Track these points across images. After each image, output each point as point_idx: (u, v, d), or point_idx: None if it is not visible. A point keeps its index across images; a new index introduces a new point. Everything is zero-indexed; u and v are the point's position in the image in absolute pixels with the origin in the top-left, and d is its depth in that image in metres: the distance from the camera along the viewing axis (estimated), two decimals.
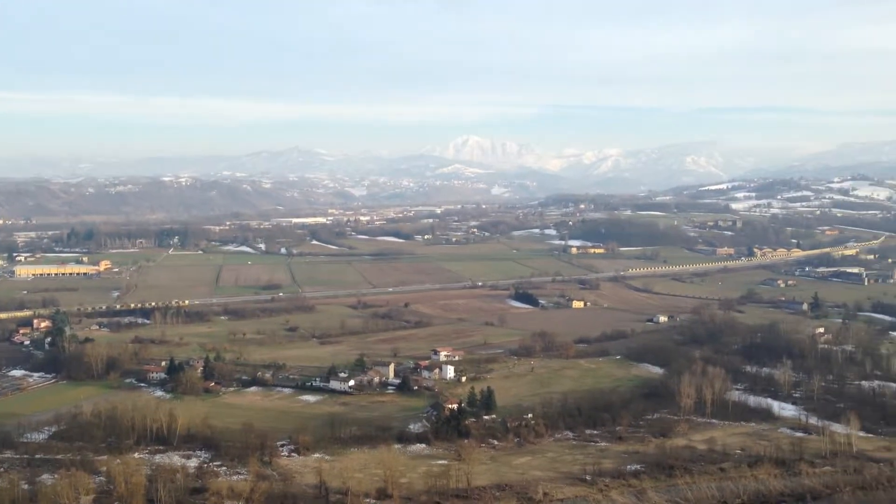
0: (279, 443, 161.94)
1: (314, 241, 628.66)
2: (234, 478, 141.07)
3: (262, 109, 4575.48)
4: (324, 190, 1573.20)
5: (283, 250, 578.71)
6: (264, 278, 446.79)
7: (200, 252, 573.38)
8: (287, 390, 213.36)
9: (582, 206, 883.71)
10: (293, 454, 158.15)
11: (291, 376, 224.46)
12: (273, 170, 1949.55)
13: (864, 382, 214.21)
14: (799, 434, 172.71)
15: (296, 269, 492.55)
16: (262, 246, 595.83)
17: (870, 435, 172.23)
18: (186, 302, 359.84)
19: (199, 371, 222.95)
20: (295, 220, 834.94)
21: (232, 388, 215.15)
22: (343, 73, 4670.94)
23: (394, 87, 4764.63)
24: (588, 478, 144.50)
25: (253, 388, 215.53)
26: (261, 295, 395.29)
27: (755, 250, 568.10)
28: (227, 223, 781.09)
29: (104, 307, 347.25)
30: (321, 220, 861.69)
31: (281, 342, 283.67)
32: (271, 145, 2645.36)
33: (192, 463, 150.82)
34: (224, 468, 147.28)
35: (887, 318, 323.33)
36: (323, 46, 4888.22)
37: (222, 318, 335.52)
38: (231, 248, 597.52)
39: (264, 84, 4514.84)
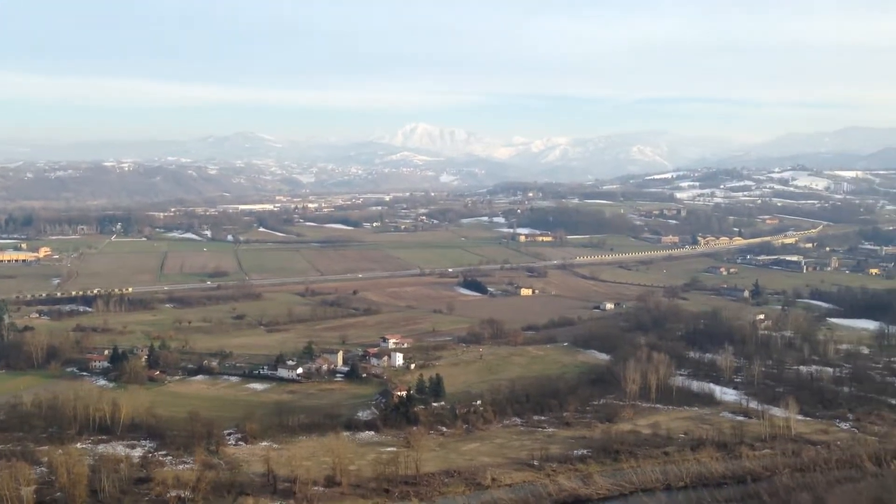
0: (226, 431, 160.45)
1: (261, 229, 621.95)
2: (180, 467, 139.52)
3: (207, 93, 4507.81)
4: (271, 176, 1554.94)
5: (229, 237, 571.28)
6: (210, 265, 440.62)
7: (144, 239, 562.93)
8: (234, 378, 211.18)
9: (530, 194, 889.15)
10: (240, 443, 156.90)
11: (238, 364, 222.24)
12: (219, 155, 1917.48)
13: (802, 367, 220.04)
14: (740, 418, 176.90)
15: (243, 256, 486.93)
16: (209, 233, 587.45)
17: (807, 418, 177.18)
18: (130, 289, 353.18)
19: (143, 359, 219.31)
20: (242, 207, 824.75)
21: (177, 377, 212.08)
22: (289, 57, 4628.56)
23: (341, 73, 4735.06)
24: (536, 463, 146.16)
25: (199, 377, 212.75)
26: (207, 282, 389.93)
27: (699, 238, 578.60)
28: (172, 210, 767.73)
29: (44, 295, 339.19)
30: (268, 206, 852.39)
31: (228, 330, 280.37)
32: (217, 130, 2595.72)
33: (137, 452, 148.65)
34: (169, 457, 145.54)
35: (824, 304, 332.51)
36: (268, 30, 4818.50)
37: (167, 305, 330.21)
38: (176, 234, 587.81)
39: (208, 67, 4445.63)
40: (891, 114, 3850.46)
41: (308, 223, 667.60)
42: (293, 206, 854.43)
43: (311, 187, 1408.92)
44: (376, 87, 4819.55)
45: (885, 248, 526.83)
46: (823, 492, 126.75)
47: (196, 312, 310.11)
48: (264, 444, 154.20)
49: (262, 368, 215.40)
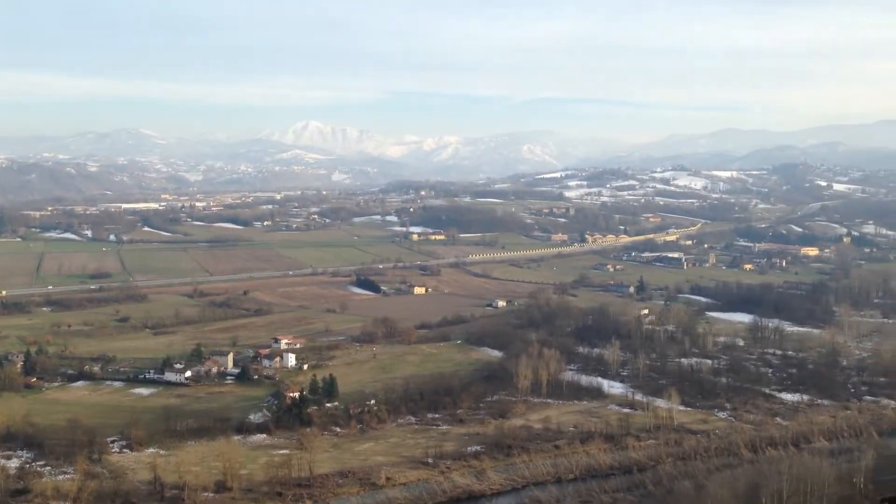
0: (110, 439, 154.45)
1: (146, 228, 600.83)
2: (61, 477, 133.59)
3: (86, 86, 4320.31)
4: (156, 174, 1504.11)
5: (112, 237, 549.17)
6: (91, 267, 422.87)
7: (19, 239, 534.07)
8: (118, 384, 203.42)
9: (423, 192, 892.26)
10: (125, 450, 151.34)
11: (123, 369, 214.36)
12: (100, 152, 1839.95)
13: (683, 360, 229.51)
14: (626, 410, 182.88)
15: (126, 256, 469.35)
16: (89, 233, 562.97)
17: (689, 408, 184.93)
18: (4, 292, 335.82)
19: (18, 366, 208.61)
20: (125, 206, 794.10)
21: (56, 384, 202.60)
22: (174, 51, 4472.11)
23: (228, 69, 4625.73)
24: (430, 461, 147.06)
25: (80, 383, 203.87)
26: (88, 284, 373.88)
27: (587, 236, 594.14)
28: (49, 208, 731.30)
29: None
30: (154, 205, 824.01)
31: (111, 333, 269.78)
32: (97, 126, 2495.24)
33: (13, 463, 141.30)
34: (49, 468, 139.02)
35: (703, 299, 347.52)
36: (151, 21, 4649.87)
37: (45, 309, 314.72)
38: (54, 234, 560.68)
39: (87, 59, 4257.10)
40: (761, 117, 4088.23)
41: (196, 222, 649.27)
42: (180, 204, 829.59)
43: (199, 186, 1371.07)
44: (266, 82, 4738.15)
45: (757, 244, 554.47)
46: (703, 479, 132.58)
47: (76, 315, 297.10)
48: (151, 450, 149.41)
49: (148, 372, 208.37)
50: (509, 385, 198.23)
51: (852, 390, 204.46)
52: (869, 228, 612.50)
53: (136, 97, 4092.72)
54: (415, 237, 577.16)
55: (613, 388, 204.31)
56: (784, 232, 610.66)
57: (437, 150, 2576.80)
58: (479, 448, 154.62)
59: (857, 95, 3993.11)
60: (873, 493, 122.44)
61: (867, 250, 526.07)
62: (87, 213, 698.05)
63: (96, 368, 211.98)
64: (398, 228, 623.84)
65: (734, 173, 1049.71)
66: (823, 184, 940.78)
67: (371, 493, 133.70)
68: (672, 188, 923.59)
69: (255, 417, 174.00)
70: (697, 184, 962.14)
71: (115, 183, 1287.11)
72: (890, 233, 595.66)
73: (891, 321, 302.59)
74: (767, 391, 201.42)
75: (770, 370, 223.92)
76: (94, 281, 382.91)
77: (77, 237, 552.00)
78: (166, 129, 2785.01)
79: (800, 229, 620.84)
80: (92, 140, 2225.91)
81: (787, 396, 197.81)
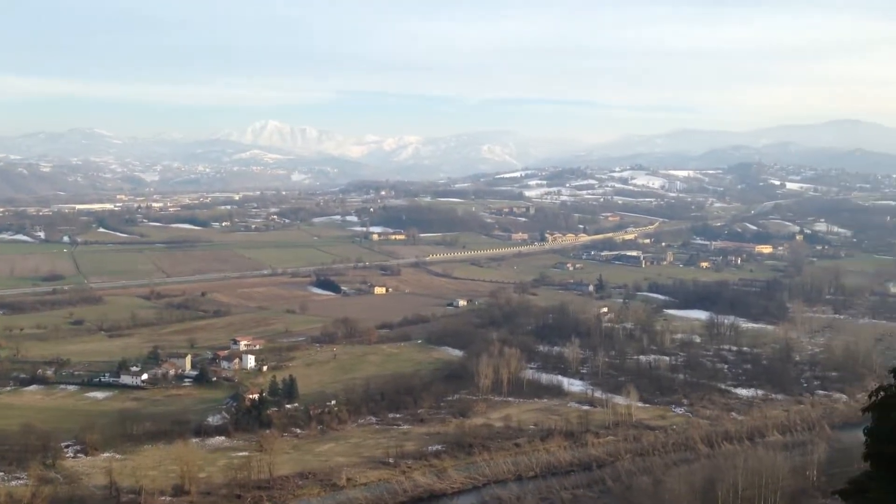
0: (64, 444, 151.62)
1: (101, 229, 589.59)
2: (14, 483, 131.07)
3: (38, 86, 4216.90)
4: (111, 175, 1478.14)
5: (65, 238, 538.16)
6: (44, 269, 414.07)
7: None
8: (72, 387, 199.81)
9: (383, 192, 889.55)
10: (80, 455, 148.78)
11: (77, 373, 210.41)
12: (52, 152, 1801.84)
13: (641, 357, 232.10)
14: (586, 407, 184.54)
15: (81, 258, 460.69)
16: (42, 234, 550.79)
17: (647, 405, 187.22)
18: None
19: None
20: (79, 207, 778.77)
21: (8, 388, 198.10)
22: (127, 49, 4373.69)
23: (185, 68, 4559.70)
24: (391, 461, 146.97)
25: (32, 387, 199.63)
26: (41, 287, 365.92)
27: (547, 235, 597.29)
28: (1, 209, 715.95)
29: None
30: (109, 206, 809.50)
31: (65, 336, 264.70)
32: (49, 126, 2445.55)
33: None
34: (1, 473, 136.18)
35: (661, 297, 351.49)
36: (103, 20, 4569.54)
37: None
38: (5, 236, 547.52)
39: (38, 58, 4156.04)
40: (715, 117, 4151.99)
41: (153, 223, 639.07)
42: (136, 205, 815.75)
43: (156, 186, 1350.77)
44: (224, 82, 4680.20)
45: (713, 242, 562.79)
46: (661, 474, 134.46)
47: (29, 318, 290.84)
48: (106, 455, 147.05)
49: (104, 376, 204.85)
50: (470, 384, 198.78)
51: (805, 385, 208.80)
52: (821, 226, 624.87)
53: (89, 97, 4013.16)
54: (375, 237, 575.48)
55: (573, 385, 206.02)
56: (739, 230, 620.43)
57: (397, 149, 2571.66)
58: (440, 447, 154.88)
59: (807, 96, 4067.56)
60: (825, 485, 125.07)
61: (819, 248, 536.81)
62: (40, 214, 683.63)
63: (50, 372, 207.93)
64: (358, 228, 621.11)
65: (691, 173, 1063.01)
66: (777, 183, 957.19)
67: (332, 494, 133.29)
68: (630, 187, 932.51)
69: (213, 420, 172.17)
70: (655, 183, 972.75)
71: (69, 183, 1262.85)
72: (841, 230, 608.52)
73: (842, 317, 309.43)
74: (723, 387, 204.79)
75: (726, 366, 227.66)
76: (47, 283, 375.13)
77: (30, 238, 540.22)
78: (121, 129, 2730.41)
79: (754, 227, 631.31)
80: (44, 140, 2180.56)
81: (743, 392, 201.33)
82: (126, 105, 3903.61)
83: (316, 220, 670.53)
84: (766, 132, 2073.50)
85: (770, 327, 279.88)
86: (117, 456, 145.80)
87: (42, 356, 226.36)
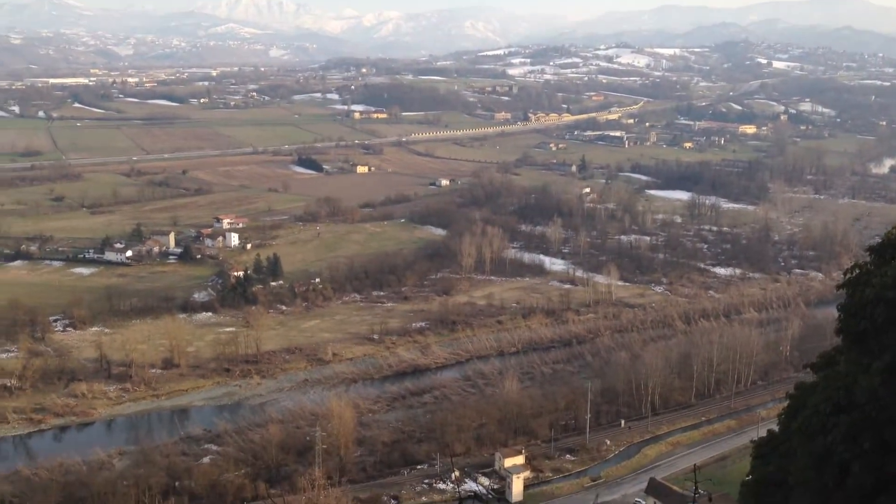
0: (52, 318, 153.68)
1: (76, 104, 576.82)
2: (4, 355, 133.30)
3: None
4: (84, 48, 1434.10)
5: (41, 114, 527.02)
6: (21, 144, 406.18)
7: None
8: (57, 263, 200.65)
9: (364, 70, 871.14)
10: (69, 329, 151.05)
11: (61, 249, 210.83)
12: (20, 24, 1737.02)
13: (622, 237, 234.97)
14: (567, 286, 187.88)
15: (57, 134, 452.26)
16: (16, 108, 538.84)
17: (627, 283, 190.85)
18: None
19: None
20: (53, 81, 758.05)
21: None
22: None
23: None
24: (376, 337, 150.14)
25: (17, 262, 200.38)
26: (18, 163, 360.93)
27: (530, 115, 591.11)
28: None
29: None
30: (83, 80, 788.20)
31: (46, 213, 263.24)
32: None
33: None
34: None
35: (643, 177, 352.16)
36: None
37: None
38: None
39: None
40: None
41: (129, 99, 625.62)
42: (111, 80, 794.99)
43: (130, 60, 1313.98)
44: None
45: (697, 122, 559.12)
46: (639, 349, 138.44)
47: (8, 194, 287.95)
48: (95, 329, 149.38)
49: (88, 252, 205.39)
50: (453, 263, 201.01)
51: (782, 264, 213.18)
52: (806, 106, 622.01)
53: None
54: (357, 116, 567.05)
55: (555, 264, 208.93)
56: (724, 110, 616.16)
57: (377, 25, 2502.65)
58: (423, 324, 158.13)
59: None
60: (798, 360, 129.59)
61: (803, 128, 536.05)
62: (14, 88, 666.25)
63: (34, 248, 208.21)
64: (339, 107, 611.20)
65: (677, 51, 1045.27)
66: (764, 61, 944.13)
67: (318, 368, 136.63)
68: (615, 66, 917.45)
69: (199, 296, 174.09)
70: (640, 61, 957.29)
71: (41, 56, 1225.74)
72: (826, 110, 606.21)
73: (822, 197, 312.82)
74: (702, 266, 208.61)
75: (705, 246, 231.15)
76: (24, 159, 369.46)
77: (4, 113, 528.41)
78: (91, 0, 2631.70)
79: (739, 107, 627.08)
80: (10, 10, 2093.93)
81: (721, 271, 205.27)
82: None
83: (296, 97, 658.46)
84: (754, 8, 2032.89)
85: (751, 208, 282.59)
86: (106, 330, 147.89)
87: (24, 232, 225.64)
